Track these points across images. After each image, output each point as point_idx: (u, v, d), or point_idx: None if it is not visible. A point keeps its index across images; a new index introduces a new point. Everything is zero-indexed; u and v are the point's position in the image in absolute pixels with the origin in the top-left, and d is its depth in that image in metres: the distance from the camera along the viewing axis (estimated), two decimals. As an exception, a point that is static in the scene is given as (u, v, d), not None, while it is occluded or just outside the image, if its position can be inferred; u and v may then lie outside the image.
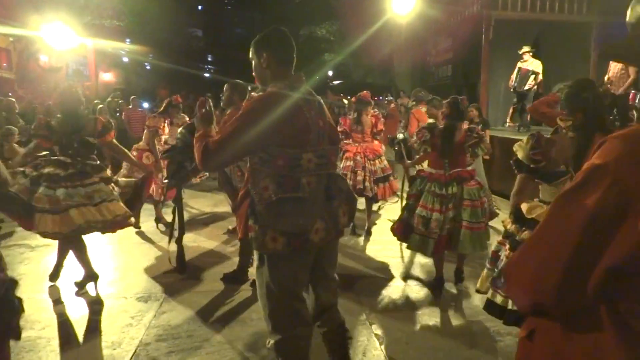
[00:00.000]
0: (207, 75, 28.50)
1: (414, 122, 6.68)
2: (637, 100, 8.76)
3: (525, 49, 9.01)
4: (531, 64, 8.88)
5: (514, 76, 9.08)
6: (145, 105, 12.97)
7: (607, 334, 0.89)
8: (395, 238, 4.06)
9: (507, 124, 9.89)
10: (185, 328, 3.26)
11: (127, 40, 18.44)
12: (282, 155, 2.00)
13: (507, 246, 2.52)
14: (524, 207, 2.52)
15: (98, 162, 3.85)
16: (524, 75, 8.86)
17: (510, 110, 10.55)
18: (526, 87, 8.81)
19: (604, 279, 0.85)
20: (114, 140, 4.03)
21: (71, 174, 3.60)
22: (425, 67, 14.29)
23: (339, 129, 5.85)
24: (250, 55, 2.18)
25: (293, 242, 2.01)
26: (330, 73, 23.44)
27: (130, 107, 10.76)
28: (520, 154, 2.57)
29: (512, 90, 9.24)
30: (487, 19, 9.88)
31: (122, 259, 4.67)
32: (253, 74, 2.23)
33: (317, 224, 2.06)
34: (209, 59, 31.08)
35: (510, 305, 2.37)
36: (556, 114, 2.66)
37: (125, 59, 20.80)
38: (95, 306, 3.61)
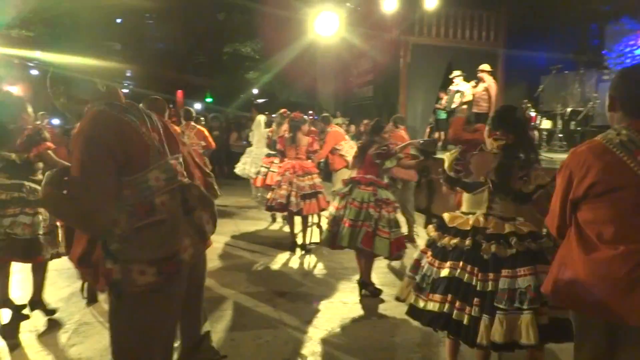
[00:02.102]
0: (125, 90, 27.41)
1: (330, 141, 6.94)
2: (537, 121, 9.58)
3: (456, 73, 9.70)
4: (458, 85, 9.57)
5: (446, 98, 9.81)
6: (55, 121, 12.18)
7: (573, 237, 1.87)
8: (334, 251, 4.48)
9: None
10: (97, 360, 3.06)
11: (38, 52, 17.29)
12: (126, 185, 1.79)
13: (429, 253, 2.64)
14: (446, 216, 2.67)
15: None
16: (452, 95, 9.57)
17: (427, 130, 11.12)
18: (453, 106, 9.45)
19: (570, 207, 1.87)
20: (50, 153, 3.46)
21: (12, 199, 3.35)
22: (348, 88, 14.70)
23: (277, 146, 5.94)
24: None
25: (165, 268, 1.80)
26: (255, 91, 23.41)
27: (38, 122, 10.05)
28: (445, 164, 2.75)
29: (444, 109, 9.92)
30: (405, 44, 10.42)
31: (27, 288, 4.29)
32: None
33: (185, 241, 1.89)
34: (128, 74, 29.97)
35: (429, 307, 2.48)
36: (478, 136, 2.89)
37: (35, 72, 19.49)
38: (-7, 342, 3.29)
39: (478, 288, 2.37)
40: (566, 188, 1.87)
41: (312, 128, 6.82)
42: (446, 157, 2.78)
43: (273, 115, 7.83)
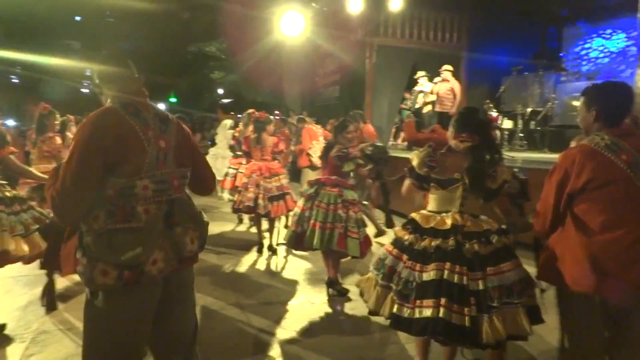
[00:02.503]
0: (85, 90, 26.61)
1: (306, 138, 6.98)
2: (499, 121, 9.84)
3: (420, 73, 9.84)
4: (423, 85, 9.71)
5: (411, 99, 9.99)
6: (10, 122, 11.73)
7: (570, 227, 2.19)
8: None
9: (391, 142, 10.51)
10: (56, 370, 2.95)
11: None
12: (111, 185, 1.81)
13: (405, 257, 2.51)
14: (417, 217, 2.59)
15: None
16: (416, 95, 9.74)
17: (393, 130, 11.26)
18: (417, 106, 9.59)
19: (566, 200, 2.20)
20: (11, 157, 3.46)
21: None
22: (314, 88, 14.72)
23: (243, 147, 5.86)
24: (93, 75, 2.05)
25: (126, 276, 1.79)
26: (221, 91, 23.17)
27: (-7, 124, 9.64)
28: (415, 162, 2.68)
29: (409, 110, 10.11)
30: (370, 45, 10.52)
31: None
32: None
33: (155, 254, 1.85)
34: (88, 74, 29.13)
35: (417, 315, 2.34)
36: (435, 136, 2.96)
37: (-12, 71, 18.70)
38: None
39: (471, 287, 2.31)
40: (562, 184, 2.20)
41: (285, 130, 6.77)
42: (415, 155, 2.71)
43: (239, 116, 7.73)
